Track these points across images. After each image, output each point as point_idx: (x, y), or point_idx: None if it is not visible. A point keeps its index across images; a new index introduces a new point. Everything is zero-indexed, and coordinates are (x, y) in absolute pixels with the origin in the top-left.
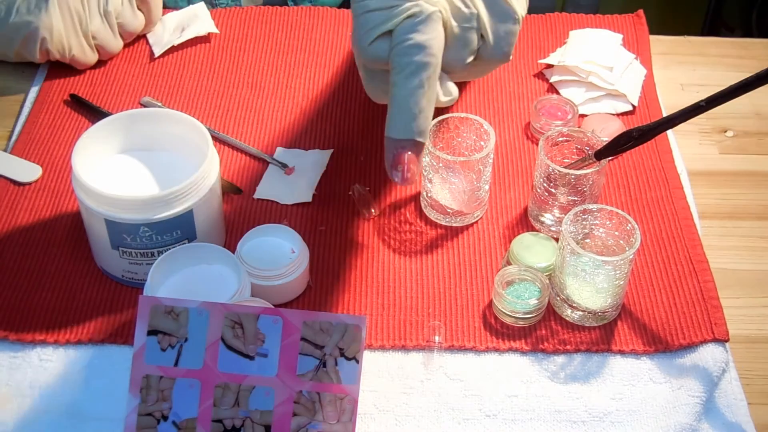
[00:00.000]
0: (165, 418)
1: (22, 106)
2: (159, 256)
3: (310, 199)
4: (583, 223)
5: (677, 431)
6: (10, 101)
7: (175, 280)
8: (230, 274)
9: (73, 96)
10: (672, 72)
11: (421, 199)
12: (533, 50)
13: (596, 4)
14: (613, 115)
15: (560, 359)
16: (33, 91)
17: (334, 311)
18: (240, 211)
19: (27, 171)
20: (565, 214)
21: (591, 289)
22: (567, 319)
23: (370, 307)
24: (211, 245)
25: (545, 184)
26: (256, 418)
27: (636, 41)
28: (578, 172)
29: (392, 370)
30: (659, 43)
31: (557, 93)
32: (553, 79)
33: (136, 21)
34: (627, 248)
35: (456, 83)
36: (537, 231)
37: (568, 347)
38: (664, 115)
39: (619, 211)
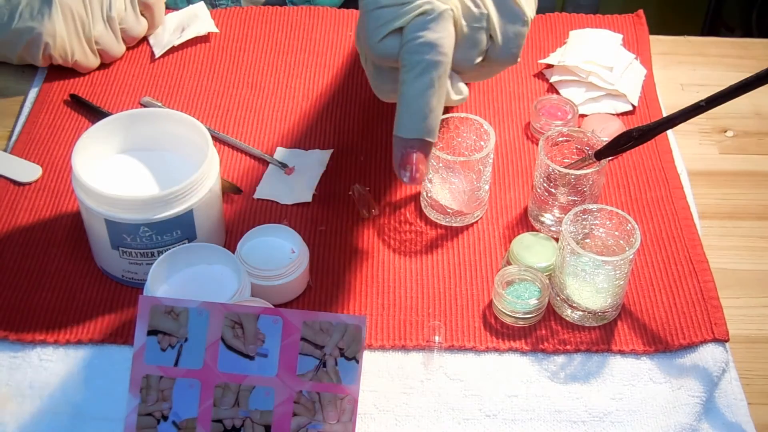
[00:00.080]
0: (165, 418)
1: (22, 106)
2: (159, 256)
3: (310, 199)
4: (583, 223)
5: (677, 431)
6: (10, 101)
7: (175, 280)
8: (230, 274)
9: (73, 96)
10: (672, 72)
11: (421, 199)
12: (533, 50)
13: (596, 4)
14: (613, 115)
15: (560, 359)
16: (33, 91)
17: (334, 311)
18: (240, 211)
19: (27, 171)
20: (565, 214)
21: (591, 289)
22: (567, 319)
23: (370, 307)
24: (211, 245)
25: (545, 184)
26: (256, 418)
27: (636, 41)
28: (578, 172)
29: (392, 370)
30: (659, 43)
31: (557, 93)
32: (553, 79)
33: (139, 26)
34: (627, 248)
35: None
36: (537, 231)
37: (568, 347)
38: (664, 115)
39: (619, 211)
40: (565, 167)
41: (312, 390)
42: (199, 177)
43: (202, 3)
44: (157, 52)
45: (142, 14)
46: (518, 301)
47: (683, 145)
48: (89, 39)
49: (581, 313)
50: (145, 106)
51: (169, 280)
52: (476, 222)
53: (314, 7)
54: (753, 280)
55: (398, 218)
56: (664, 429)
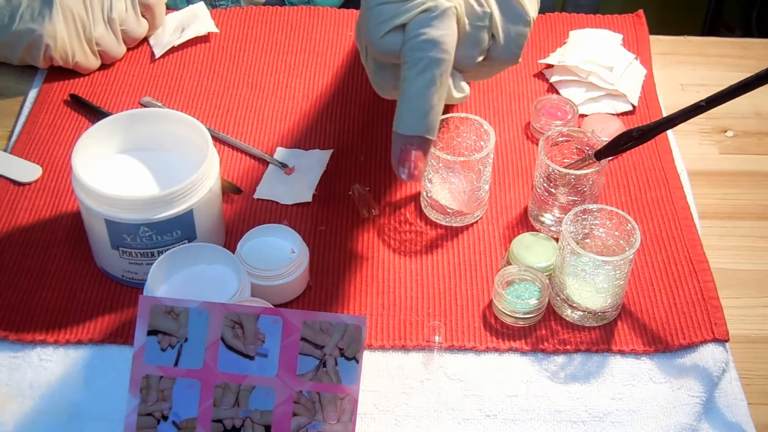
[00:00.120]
0: (165, 418)
1: (22, 106)
2: (159, 256)
3: (310, 199)
4: (583, 223)
5: (677, 431)
6: (10, 101)
7: (175, 280)
8: (230, 274)
9: (73, 96)
10: (672, 72)
11: (421, 199)
12: (533, 50)
13: (596, 4)
14: (613, 115)
15: (560, 359)
16: (33, 91)
17: (334, 311)
18: (240, 211)
19: (27, 171)
20: (565, 214)
21: (591, 289)
22: (567, 319)
23: (370, 307)
24: (211, 245)
25: (545, 184)
26: (256, 418)
27: (636, 41)
28: (578, 172)
29: (392, 370)
30: (659, 43)
31: (557, 93)
32: (553, 79)
33: (140, 28)
34: (627, 248)
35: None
36: (537, 231)
37: (568, 347)
38: (664, 115)
39: (619, 211)
40: (565, 167)
41: (312, 390)
42: (199, 177)
43: (202, 3)
44: (157, 52)
45: (143, 15)
46: (518, 301)
47: (683, 145)
48: (90, 40)
49: (581, 313)
50: (145, 106)
51: (169, 280)
52: (476, 222)
53: (314, 7)
54: (753, 280)
55: (398, 218)
56: (664, 429)
